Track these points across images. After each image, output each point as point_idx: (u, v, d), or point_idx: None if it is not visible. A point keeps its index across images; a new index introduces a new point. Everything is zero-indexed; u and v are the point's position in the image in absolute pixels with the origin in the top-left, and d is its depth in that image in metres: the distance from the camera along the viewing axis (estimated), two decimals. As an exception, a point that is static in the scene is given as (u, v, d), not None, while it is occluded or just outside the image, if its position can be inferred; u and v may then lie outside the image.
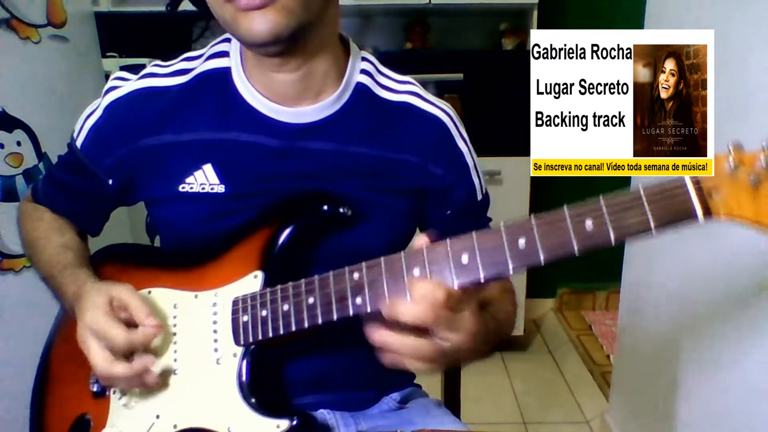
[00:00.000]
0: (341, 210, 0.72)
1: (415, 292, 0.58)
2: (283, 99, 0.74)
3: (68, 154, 0.83)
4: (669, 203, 0.54)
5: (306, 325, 0.66)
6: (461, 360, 0.66)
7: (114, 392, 0.75)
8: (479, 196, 0.84)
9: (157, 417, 0.72)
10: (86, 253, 0.84)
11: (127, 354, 0.68)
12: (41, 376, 0.84)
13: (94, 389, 0.76)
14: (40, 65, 1.31)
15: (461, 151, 0.81)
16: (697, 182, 0.54)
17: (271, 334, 0.68)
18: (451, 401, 1.08)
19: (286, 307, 0.67)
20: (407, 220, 0.80)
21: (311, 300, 0.66)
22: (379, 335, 0.59)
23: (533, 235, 0.57)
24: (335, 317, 0.65)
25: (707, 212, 0.53)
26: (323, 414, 0.79)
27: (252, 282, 0.72)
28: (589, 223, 0.55)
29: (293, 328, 0.67)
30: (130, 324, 0.70)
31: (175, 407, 0.72)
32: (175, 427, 0.71)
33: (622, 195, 0.55)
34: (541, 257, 0.57)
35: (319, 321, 0.66)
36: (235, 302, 0.72)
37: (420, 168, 0.78)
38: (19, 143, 1.27)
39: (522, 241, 0.57)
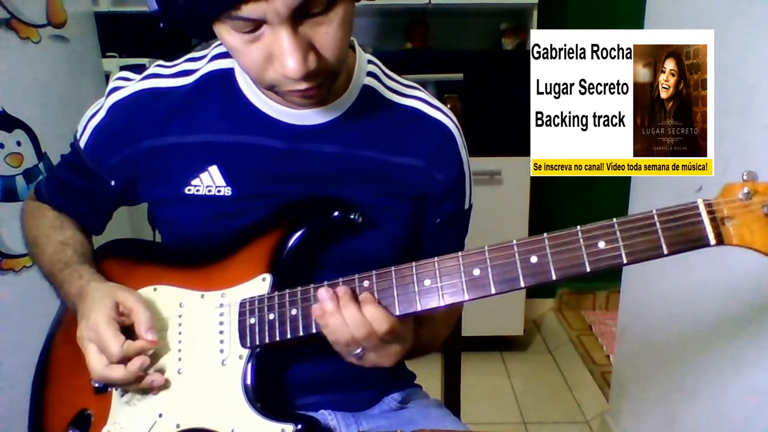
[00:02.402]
0: (352, 216, 0.72)
1: (365, 311, 0.62)
2: None
3: (71, 154, 0.83)
4: (682, 229, 0.55)
5: (314, 330, 0.66)
6: (363, 362, 0.69)
7: (116, 388, 0.75)
8: (466, 206, 0.84)
9: (160, 416, 0.72)
10: (89, 249, 0.84)
11: (123, 361, 0.69)
12: (41, 370, 0.84)
13: (96, 385, 0.76)
14: (40, 65, 1.31)
15: (462, 160, 0.81)
16: (710, 209, 0.54)
17: (278, 338, 0.68)
18: (451, 401, 1.08)
19: (294, 312, 0.68)
20: (410, 225, 0.80)
21: None
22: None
23: (546, 253, 0.58)
24: None
25: (719, 239, 0.54)
26: (324, 414, 0.79)
27: (260, 284, 0.72)
28: (601, 245, 0.56)
29: (301, 333, 0.67)
30: (132, 329, 0.70)
31: (179, 407, 0.72)
32: (177, 426, 0.71)
33: (635, 218, 0.56)
34: (553, 275, 0.57)
35: None
36: (242, 304, 0.72)
37: (424, 173, 0.78)
38: (19, 143, 1.27)
39: (534, 259, 0.58)
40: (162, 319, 0.75)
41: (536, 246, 0.58)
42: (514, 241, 0.59)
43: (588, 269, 0.56)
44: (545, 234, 0.58)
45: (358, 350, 0.64)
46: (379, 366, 0.67)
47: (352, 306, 0.62)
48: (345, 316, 0.62)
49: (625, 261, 0.56)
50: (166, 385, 0.73)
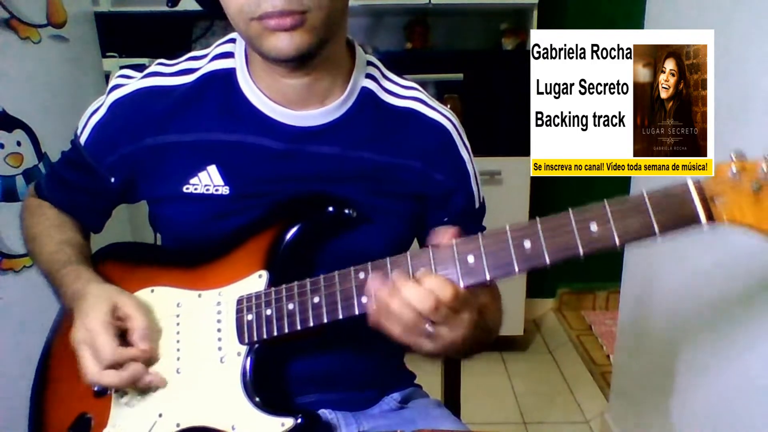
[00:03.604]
0: (346, 211, 0.72)
1: (424, 283, 0.59)
2: (288, 102, 0.74)
3: (71, 151, 0.84)
4: (673, 208, 0.55)
5: (311, 324, 0.67)
6: (444, 353, 0.66)
7: (116, 391, 0.75)
8: (477, 204, 0.84)
9: (160, 416, 0.72)
10: (87, 250, 0.84)
11: (116, 366, 0.69)
12: (41, 374, 0.84)
13: (96, 388, 0.76)
14: (40, 65, 1.31)
15: (463, 158, 0.81)
16: (700, 188, 0.54)
17: (275, 333, 0.69)
18: (451, 401, 1.08)
19: (291, 306, 0.68)
20: (408, 224, 0.80)
21: (316, 299, 0.66)
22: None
23: (539, 237, 0.58)
24: (341, 316, 0.65)
25: (710, 217, 0.54)
26: (325, 413, 0.79)
27: (256, 281, 0.72)
28: (594, 227, 0.56)
29: (298, 327, 0.67)
30: (128, 333, 0.71)
31: (178, 406, 0.72)
32: (177, 425, 0.71)
33: (626, 200, 0.56)
34: (547, 259, 0.57)
35: (325, 320, 0.66)
36: (239, 301, 0.72)
37: (422, 173, 0.78)
38: (19, 143, 1.27)
39: (528, 243, 0.58)
40: (159, 321, 0.75)
41: (529, 231, 0.58)
42: (508, 227, 0.59)
43: (581, 252, 0.56)
44: (538, 219, 0.58)
45: (428, 327, 0.60)
46: (454, 345, 0.63)
47: (410, 282, 0.59)
48: (405, 294, 0.59)
49: (617, 243, 0.56)
50: (165, 385, 0.73)
